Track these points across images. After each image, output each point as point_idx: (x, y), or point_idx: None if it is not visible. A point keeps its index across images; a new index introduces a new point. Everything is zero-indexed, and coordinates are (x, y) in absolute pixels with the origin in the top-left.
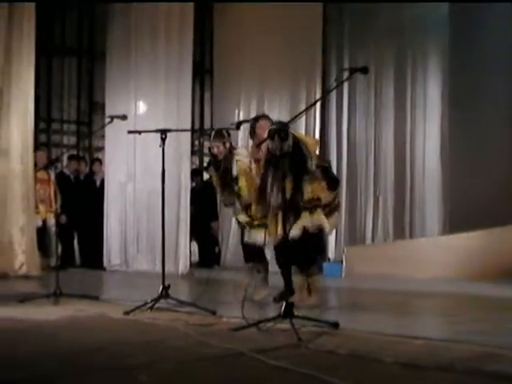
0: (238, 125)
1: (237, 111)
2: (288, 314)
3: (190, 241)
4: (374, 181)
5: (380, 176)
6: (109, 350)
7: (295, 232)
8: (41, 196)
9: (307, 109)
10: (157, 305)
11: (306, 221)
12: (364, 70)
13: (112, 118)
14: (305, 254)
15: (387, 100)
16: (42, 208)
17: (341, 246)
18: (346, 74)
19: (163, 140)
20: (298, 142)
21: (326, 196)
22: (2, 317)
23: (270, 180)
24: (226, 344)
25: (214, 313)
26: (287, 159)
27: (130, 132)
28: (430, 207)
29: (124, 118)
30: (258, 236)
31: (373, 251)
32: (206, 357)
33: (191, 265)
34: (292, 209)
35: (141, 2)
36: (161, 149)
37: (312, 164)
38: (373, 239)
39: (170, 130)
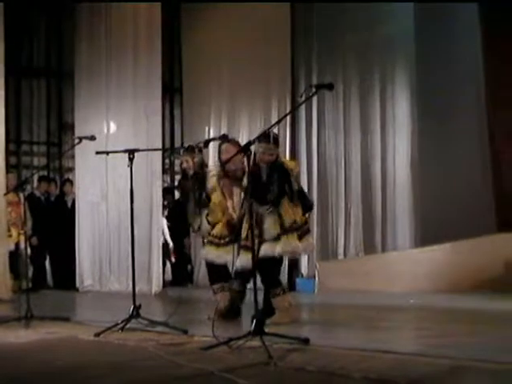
0: (206, 143)
1: (207, 129)
2: (258, 331)
3: (163, 259)
4: (345, 195)
5: (351, 190)
6: (78, 372)
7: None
8: (12, 219)
9: (273, 126)
10: (128, 325)
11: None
12: (329, 87)
13: (80, 138)
14: (271, 275)
15: (356, 114)
16: (13, 231)
17: (313, 262)
18: (312, 91)
19: (131, 160)
20: (282, 164)
21: (300, 219)
22: None
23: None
24: (196, 364)
25: (185, 332)
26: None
27: (97, 153)
28: (401, 221)
29: (92, 138)
30: (228, 255)
31: (345, 266)
32: (175, 377)
33: (165, 284)
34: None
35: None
36: (134, 168)
37: (295, 185)
38: (345, 254)
39: (137, 150)
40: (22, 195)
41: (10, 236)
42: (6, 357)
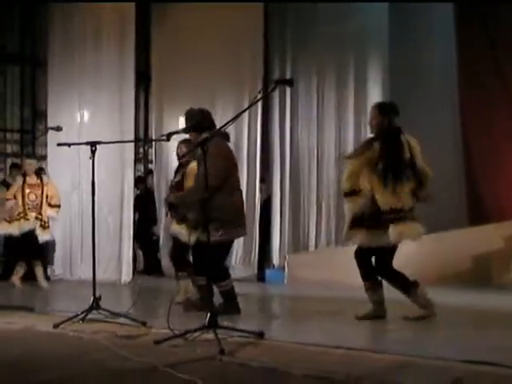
0: (169, 136)
1: (180, 119)
2: (212, 324)
3: (134, 248)
4: (317, 187)
5: (323, 182)
6: (23, 364)
7: None
8: (30, 202)
9: (232, 121)
10: (91, 316)
11: None
12: (289, 83)
13: (46, 129)
14: None
15: (329, 107)
16: (31, 214)
17: (284, 253)
18: (272, 86)
19: (93, 152)
20: None
21: None
22: None
23: None
24: (143, 357)
25: (144, 324)
26: None
27: (58, 145)
28: None
29: (59, 129)
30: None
31: (315, 257)
32: (117, 372)
33: (137, 272)
34: None
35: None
36: (106, 158)
37: None
38: (316, 246)
39: (99, 143)
40: (45, 177)
41: (27, 219)
42: None
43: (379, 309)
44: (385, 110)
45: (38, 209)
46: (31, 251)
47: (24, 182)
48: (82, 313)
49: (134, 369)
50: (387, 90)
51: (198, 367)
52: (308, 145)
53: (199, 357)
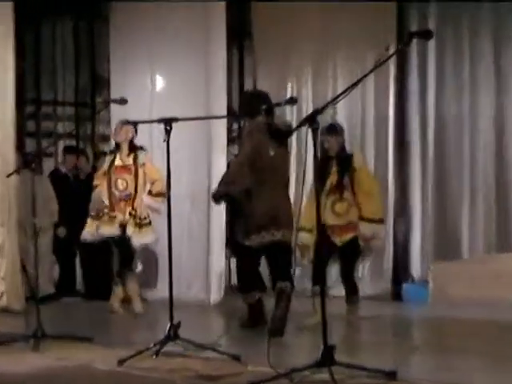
0: (269, 110)
1: (290, 84)
2: (327, 360)
3: (227, 258)
4: (471, 174)
5: (478, 169)
6: None
7: None
8: (121, 193)
9: (352, 87)
10: (169, 348)
11: None
12: (427, 35)
13: (107, 102)
14: None
15: (487, 68)
16: (119, 210)
17: (427, 262)
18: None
19: (168, 132)
20: None
21: None
22: None
23: None
24: None
25: (237, 358)
26: None
27: (124, 123)
28: None
29: (123, 101)
30: None
31: (469, 268)
32: None
33: (230, 288)
34: None
35: None
36: (188, 139)
37: None
38: (471, 252)
39: (176, 120)
40: (141, 155)
41: (114, 217)
42: None
43: None
44: None
45: (131, 202)
46: (121, 262)
47: (112, 162)
48: (155, 345)
49: None
50: None
51: None
52: (458, 114)
53: None
